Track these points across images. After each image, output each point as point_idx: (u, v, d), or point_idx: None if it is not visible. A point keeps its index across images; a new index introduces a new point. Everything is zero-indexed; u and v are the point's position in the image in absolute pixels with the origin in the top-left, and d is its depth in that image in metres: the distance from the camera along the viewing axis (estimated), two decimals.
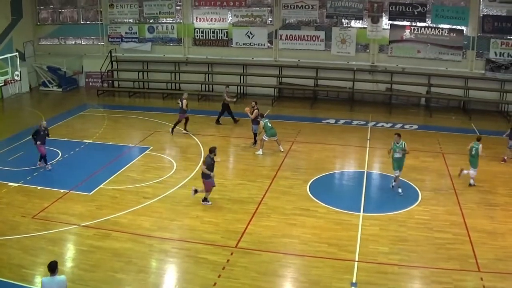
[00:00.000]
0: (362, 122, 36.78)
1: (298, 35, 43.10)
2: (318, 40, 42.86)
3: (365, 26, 42.22)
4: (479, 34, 41.72)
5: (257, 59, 43.82)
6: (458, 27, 41.54)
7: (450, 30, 41.43)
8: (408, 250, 20.54)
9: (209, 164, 23.37)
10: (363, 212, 23.47)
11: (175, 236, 21.26)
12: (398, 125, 36.41)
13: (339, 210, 23.56)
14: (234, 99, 37.32)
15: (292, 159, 29.97)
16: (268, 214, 23.05)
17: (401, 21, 41.77)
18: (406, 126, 36.54)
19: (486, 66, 41.96)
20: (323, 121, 36.56)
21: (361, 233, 21.64)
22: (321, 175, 27.71)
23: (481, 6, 41.40)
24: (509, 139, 30.94)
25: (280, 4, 42.57)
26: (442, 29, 41.51)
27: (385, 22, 41.99)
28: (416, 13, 41.05)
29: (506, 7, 40.99)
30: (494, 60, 41.79)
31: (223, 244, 20.48)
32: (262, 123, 30.58)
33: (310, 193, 25.34)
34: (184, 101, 33.73)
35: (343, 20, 43.29)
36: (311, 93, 43.06)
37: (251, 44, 43.69)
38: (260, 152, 30.50)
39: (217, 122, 36.16)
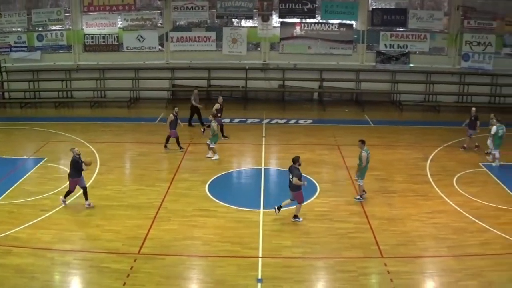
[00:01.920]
0: (257, 120, 36.98)
1: (189, 37, 42.89)
2: (209, 41, 42.79)
3: (256, 25, 42.47)
4: (368, 28, 42.90)
5: (148, 62, 43.34)
6: (348, 21, 42.54)
7: (340, 25, 42.35)
8: (310, 242, 20.82)
9: (299, 175, 22.37)
10: (263, 208, 23.61)
11: (77, 247, 20.66)
12: (293, 121, 36.87)
13: (240, 208, 23.62)
14: (201, 105, 36.18)
15: (189, 161, 29.81)
16: (169, 217, 22.80)
17: (291, 18, 42.25)
18: (301, 121, 37.06)
19: (376, 58, 43.18)
20: (213, 122, 36.42)
21: (263, 229, 21.76)
22: (219, 174, 27.71)
23: (370, 0, 42.43)
24: (469, 128, 32.18)
25: (170, 6, 42.22)
26: (332, 24, 42.39)
27: (275, 20, 42.40)
28: (305, 10, 41.62)
29: (395, 0, 42.22)
30: (384, 52, 43.03)
31: (126, 251, 20.11)
32: (214, 125, 30.11)
33: (209, 193, 25.26)
34: (216, 105, 32.97)
35: (233, 20, 43.46)
36: (204, 94, 42.94)
37: (142, 47, 43.16)
38: (216, 156, 30.11)
39: (189, 124, 35.52)
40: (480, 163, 30.19)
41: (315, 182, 26.74)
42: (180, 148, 30.98)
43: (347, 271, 18.95)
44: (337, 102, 43.32)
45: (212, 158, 29.91)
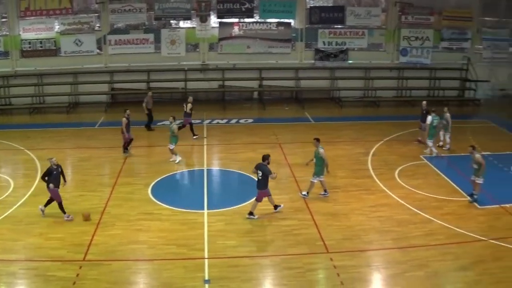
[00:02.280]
0: (198, 121, 36.68)
1: (127, 39, 42.37)
2: (147, 43, 42.38)
3: (194, 25, 42.27)
4: (306, 26, 43.21)
5: (87, 66, 42.64)
6: (286, 20, 42.63)
7: (278, 23, 42.51)
8: (256, 241, 20.88)
9: (269, 172, 22.53)
10: (207, 209, 23.49)
11: (21, 256, 20.13)
12: (233, 121, 36.84)
13: (183, 210, 23.43)
14: (151, 107, 35.80)
15: (131, 164, 29.47)
16: (113, 222, 22.45)
17: (229, 18, 42.19)
18: (242, 121, 37.06)
19: (315, 56, 43.51)
20: (159, 124, 36.12)
21: (208, 230, 21.65)
22: (162, 177, 27.43)
23: None
24: (421, 122, 32.59)
25: (107, 9, 41.60)
26: (270, 23, 42.46)
27: (213, 20, 42.24)
28: (244, 9, 41.62)
29: None
30: (322, 49, 43.32)
31: (71, 258, 19.71)
32: (175, 127, 29.86)
33: (153, 196, 24.99)
34: (189, 105, 33.31)
35: (171, 21, 43.17)
36: (144, 96, 42.56)
37: (80, 51, 42.37)
38: (178, 158, 29.77)
39: (149, 128, 35.26)
40: (420, 156, 30.69)
41: None
42: (125, 151, 30.68)
43: (294, 268, 19.00)
44: (277, 100, 43.44)
45: (176, 161, 29.60)
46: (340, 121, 37.89)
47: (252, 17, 42.38)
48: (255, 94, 44.12)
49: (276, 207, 23.36)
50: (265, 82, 43.20)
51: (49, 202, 22.75)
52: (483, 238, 21.64)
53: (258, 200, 22.84)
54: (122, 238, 21.13)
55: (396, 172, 28.35)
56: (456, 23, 45.11)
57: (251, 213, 22.84)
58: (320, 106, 41.88)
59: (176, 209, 23.47)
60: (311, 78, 43.47)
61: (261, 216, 22.84)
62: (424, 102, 33.34)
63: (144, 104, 34.94)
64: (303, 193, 25.10)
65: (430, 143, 30.94)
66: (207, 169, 28.58)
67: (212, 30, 42.14)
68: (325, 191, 25.15)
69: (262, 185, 22.65)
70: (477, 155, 24.51)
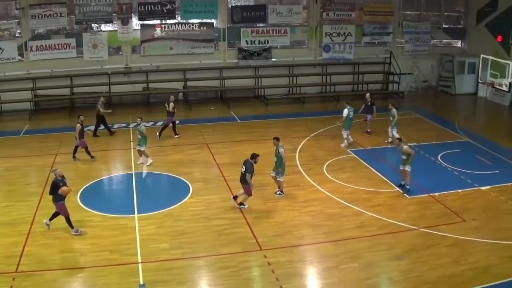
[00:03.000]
0: (123, 124, 36.35)
1: (49, 45, 41.38)
2: (69, 48, 41.52)
3: (116, 28, 41.73)
4: (229, 25, 43.31)
5: (8, 74, 41.56)
6: (208, 20, 42.61)
7: (201, 24, 42.44)
8: (188, 242, 20.69)
9: (251, 171, 23.03)
10: (138, 213, 23.14)
11: None
12: (160, 123, 36.42)
13: (114, 215, 23.03)
14: (109, 110, 35.13)
15: None
16: (43, 232, 21.82)
17: (151, 20, 41.84)
18: None
19: (238, 55, 43.64)
20: (84, 129, 35.33)
21: (140, 234, 21.36)
22: (90, 183, 26.87)
23: None
24: (366, 114, 33.72)
25: (28, 15, 40.52)
26: (193, 24, 42.32)
27: (135, 22, 41.83)
28: (165, 10, 41.37)
29: None
30: (246, 48, 43.41)
31: (3, 270, 19.10)
32: (143, 128, 29.34)
33: (82, 203, 24.42)
34: (171, 104, 33.14)
35: (93, 25, 42.45)
36: (68, 102, 41.89)
37: (1, 59, 41.18)
38: (149, 161, 29.40)
39: (95, 135, 34.24)
40: (348, 150, 31.06)
41: (187, 182, 26.62)
42: (92, 157, 30.14)
43: (228, 267, 18.97)
44: (203, 100, 43.41)
45: (147, 164, 29.26)
46: (266, 119, 38.01)
47: (174, 18, 42.17)
48: (180, 95, 43.89)
49: (235, 197, 23.81)
50: (189, 83, 43.08)
51: (55, 215, 21.82)
52: (414, 227, 22.11)
53: (248, 194, 23.49)
54: (54, 247, 20.64)
55: (324, 166, 28.63)
56: (377, 18, 46.08)
57: (240, 203, 23.72)
58: (246, 105, 42.03)
59: (107, 214, 23.08)
60: (236, 77, 43.55)
61: (192, 217, 22.75)
62: (368, 94, 34.62)
63: (102, 110, 34.33)
64: (277, 192, 25.21)
65: (345, 134, 31.73)
66: (135, 172, 28.22)
67: (134, 33, 41.74)
68: (281, 191, 25.22)
69: (243, 181, 23.14)
70: (405, 146, 24.99)
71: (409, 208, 23.89)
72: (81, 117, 30.23)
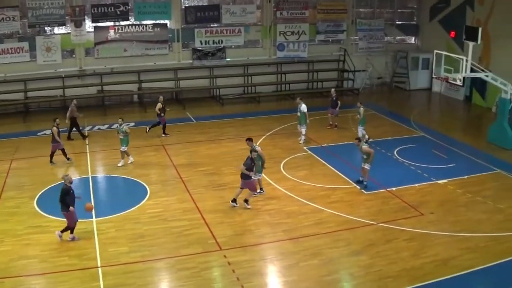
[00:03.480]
0: (79, 128, 36.00)
1: (2, 49, 40.63)
2: (22, 52, 40.92)
3: (69, 31, 41.27)
4: (183, 26, 43.14)
5: None
6: (162, 21, 42.42)
7: (154, 25, 42.22)
8: (148, 245, 20.63)
9: (249, 165, 23.33)
10: (96, 217, 22.94)
11: None
12: (115, 126, 35.97)
13: None
14: (81, 114, 34.62)
15: (14, 177, 28.29)
16: (1, 239, 21.66)
17: (104, 22, 41.45)
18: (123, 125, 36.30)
19: (193, 55, 43.60)
20: (39, 134, 35.00)
21: (98, 238, 21.23)
22: (46, 188, 26.51)
23: None
24: (331, 108, 34.67)
25: None
26: (146, 25, 42.06)
27: (88, 25, 41.41)
28: (118, 12, 41.06)
29: None
30: (200, 48, 43.36)
31: None
32: (126, 128, 29.42)
33: (39, 209, 24.16)
34: (158, 105, 33.62)
35: (46, 28, 41.91)
36: (22, 106, 41.34)
37: None
38: (131, 159, 29.61)
39: (69, 138, 33.73)
40: (304, 147, 31.18)
41: (145, 184, 26.55)
42: (68, 159, 29.95)
43: (189, 268, 18.98)
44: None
45: (129, 162, 29.45)
46: (222, 119, 38.00)
47: (127, 19, 41.87)
48: (135, 97, 43.64)
49: (234, 200, 23.98)
50: (144, 85, 42.83)
51: (70, 230, 21.43)
52: (373, 222, 22.39)
53: (252, 189, 23.88)
54: (12, 254, 20.35)
55: (281, 165, 28.79)
56: (331, 16, 46.44)
57: (246, 201, 23.91)
58: (201, 105, 41.99)
59: (65, 219, 22.83)
60: (190, 78, 43.44)
61: (150, 220, 22.72)
62: (333, 90, 35.55)
63: (68, 113, 33.83)
64: (257, 191, 25.08)
65: (303, 130, 32.18)
66: (92, 176, 27.95)
67: (87, 35, 41.32)
68: (261, 189, 25.26)
69: (244, 176, 23.47)
70: (364, 146, 25.20)
71: (367, 203, 24.14)
72: (57, 120, 29.99)
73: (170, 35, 43.15)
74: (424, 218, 23.05)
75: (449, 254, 20.13)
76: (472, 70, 31.56)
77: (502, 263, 19.61)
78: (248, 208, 23.64)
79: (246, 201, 23.80)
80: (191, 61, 43.95)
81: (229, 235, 21.34)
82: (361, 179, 26.04)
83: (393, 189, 25.79)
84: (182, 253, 20.02)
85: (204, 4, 43.95)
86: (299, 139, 32.57)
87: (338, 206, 23.80)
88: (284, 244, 20.78)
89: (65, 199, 20.66)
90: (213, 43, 43.95)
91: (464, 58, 30.68)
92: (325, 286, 18.22)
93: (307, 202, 23.94)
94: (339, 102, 34.88)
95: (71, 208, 20.77)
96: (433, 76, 35.64)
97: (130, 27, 41.97)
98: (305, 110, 31.80)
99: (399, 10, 50.81)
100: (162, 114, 33.81)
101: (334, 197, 24.94)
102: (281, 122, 36.46)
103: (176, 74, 43.32)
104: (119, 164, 29.31)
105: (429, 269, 19.12)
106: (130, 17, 41.94)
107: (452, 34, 41.00)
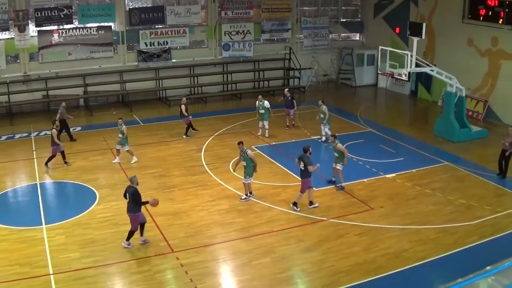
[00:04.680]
0: (25, 134, 35.43)
1: None
2: None
3: (13, 36, 40.54)
4: (127, 28, 42.79)
5: None
6: (106, 24, 42.03)
7: (99, 28, 41.75)
8: (99, 250, 20.47)
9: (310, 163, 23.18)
10: (45, 224, 22.67)
11: None
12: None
13: (21, 228, 22.40)
14: (71, 116, 34.65)
15: None
16: None
17: (48, 26, 40.80)
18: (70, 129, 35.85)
19: (138, 57, 43.28)
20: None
21: (49, 245, 20.96)
22: None
23: (126, 0, 42.53)
24: (287, 108, 34.68)
25: None
26: (90, 28, 41.58)
27: (32, 29, 40.73)
28: (62, 16, 40.46)
29: None
30: (145, 50, 43.14)
31: None
32: (124, 128, 29.39)
33: None
34: (182, 107, 34.10)
35: None
36: None
37: None
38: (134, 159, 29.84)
39: (72, 138, 33.64)
40: (252, 146, 31.27)
41: (94, 189, 26.30)
42: (66, 163, 29.68)
43: (142, 272, 18.94)
44: (104, 105, 42.67)
45: (132, 162, 29.55)
46: (169, 120, 37.72)
47: (71, 23, 41.30)
48: (81, 101, 43.18)
49: (311, 203, 23.91)
50: (90, 88, 42.35)
51: (142, 228, 21.11)
52: (323, 218, 22.67)
53: (302, 191, 23.57)
54: None
55: (230, 164, 28.78)
56: (275, 15, 46.72)
57: (295, 204, 23.73)
58: (148, 107, 41.74)
59: (13, 227, 22.45)
60: (136, 80, 43.09)
61: (100, 224, 22.53)
62: (286, 90, 35.78)
63: (62, 115, 33.48)
64: (243, 197, 24.96)
65: (266, 124, 32.79)
66: (40, 182, 27.55)
67: (31, 40, 40.65)
68: (250, 193, 25.08)
69: (304, 175, 23.31)
70: (339, 145, 25.33)
71: (317, 200, 24.27)
72: (57, 122, 30.13)
73: (115, 38, 42.76)
74: (375, 212, 23.40)
75: (401, 247, 20.48)
76: (417, 65, 32.10)
77: (453, 254, 20.10)
78: (297, 210, 23.69)
79: (294, 203, 23.78)
80: (136, 63, 43.62)
81: (180, 236, 21.33)
82: (333, 179, 26.38)
83: (342, 184, 26.07)
84: (134, 256, 19.96)
85: (148, 5, 43.66)
86: (258, 134, 33.41)
87: (288, 204, 23.97)
88: (236, 243, 20.87)
89: (138, 200, 20.42)
90: (158, 44, 43.74)
91: (409, 53, 31.18)
92: (279, 283, 18.36)
93: (257, 201, 24.06)
94: (294, 101, 35.07)
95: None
96: (379, 72, 36.18)
97: (74, 30, 41.40)
98: (269, 106, 32.67)
99: (343, 7, 51.35)
100: (186, 114, 34.11)
101: (284, 195, 25.10)
102: (228, 122, 36.58)
103: (122, 76, 42.95)
104: (132, 161, 29.85)
105: (382, 263, 19.41)
106: (74, 21, 41.40)
107: (397, 30, 41.68)
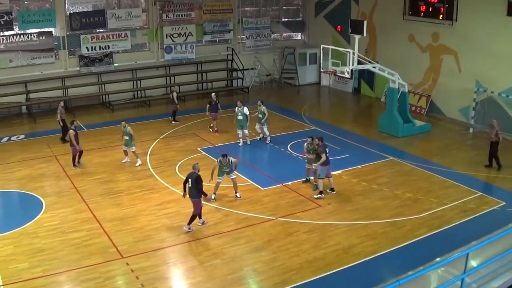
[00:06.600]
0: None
1: None
2: None
3: None
4: (68, 33, 42.22)
5: None
6: (47, 29, 41.44)
7: (39, 33, 41.12)
8: (48, 259, 20.21)
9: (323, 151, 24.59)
10: None
11: None
12: (5, 139, 35.05)
13: None
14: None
15: None
16: None
17: None
18: (13, 138, 35.20)
19: (80, 62, 42.76)
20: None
21: None
22: None
23: (66, 5, 42.04)
24: (212, 112, 34.45)
25: None
26: (31, 34, 40.95)
27: None
28: (2, 22, 39.79)
29: (91, 2, 42.29)
30: (87, 55, 42.70)
31: None
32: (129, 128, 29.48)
33: None
34: (174, 94, 38.07)
35: None
36: None
37: None
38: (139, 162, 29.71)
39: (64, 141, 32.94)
40: (198, 148, 31.38)
41: (39, 197, 25.89)
42: (74, 165, 29.62)
43: (92, 279, 18.76)
44: (47, 112, 41.77)
45: (136, 164, 29.45)
46: (113, 125, 37.18)
47: (12, 29, 40.60)
48: (24, 109, 42.55)
49: (332, 189, 25.39)
50: (32, 95, 41.74)
51: (193, 218, 21.90)
52: (272, 218, 22.88)
53: (328, 175, 25.02)
54: None
55: (177, 167, 28.87)
56: (217, 16, 46.84)
57: (332, 189, 25.36)
58: (91, 113, 41.27)
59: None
60: (79, 85, 42.53)
61: (48, 233, 22.21)
62: (213, 94, 35.81)
63: (58, 116, 33.43)
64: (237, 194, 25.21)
65: (246, 132, 32.67)
66: None
67: None
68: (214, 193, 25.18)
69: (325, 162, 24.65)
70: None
71: (264, 199, 24.55)
72: (75, 122, 30.13)
73: (56, 43, 42.19)
74: (322, 210, 23.69)
75: (350, 243, 20.81)
76: (359, 62, 32.59)
77: (402, 247, 20.57)
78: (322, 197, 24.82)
79: (320, 192, 24.90)
80: (78, 68, 43.13)
81: (129, 242, 21.24)
82: (308, 178, 26.66)
83: (289, 183, 26.37)
84: (83, 264, 19.75)
85: (89, 9, 43.19)
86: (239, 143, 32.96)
87: (237, 204, 24.17)
88: (186, 246, 20.92)
89: (200, 186, 21.58)
90: (100, 48, 43.35)
91: (351, 51, 31.61)
92: (230, 284, 18.47)
93: (205, 203, 24.02)
94: (219, 105, 35.07)
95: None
96: (321, 70, 36.48)
97: (14, 37, 40.68)
98: (248, 113, 32.37)
99: (284, 7, 51.72)
100: (176, 102, 37.63)
101: (231, 195, 25.20)
102: (173, 125, 36.57)
103: (64, 82, 42.40)
104: (124, 160, 30.02)
105: (332, 259, 19.70)
106: (14, 27, 40.79)
107: (338, 28, 42.15)
